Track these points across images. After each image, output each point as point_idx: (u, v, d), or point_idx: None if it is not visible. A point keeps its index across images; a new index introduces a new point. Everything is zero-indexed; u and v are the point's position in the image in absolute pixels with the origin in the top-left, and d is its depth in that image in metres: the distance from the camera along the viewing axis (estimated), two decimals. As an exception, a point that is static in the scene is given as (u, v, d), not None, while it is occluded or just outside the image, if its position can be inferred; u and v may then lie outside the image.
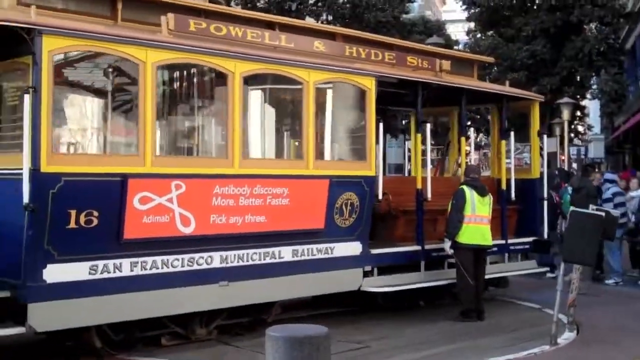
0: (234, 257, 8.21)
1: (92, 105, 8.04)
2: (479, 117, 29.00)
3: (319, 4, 25.68)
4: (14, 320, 6.81)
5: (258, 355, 7.51)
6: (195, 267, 7.89)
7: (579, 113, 35.96)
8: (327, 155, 9.73)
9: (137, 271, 7.43)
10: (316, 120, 9.02)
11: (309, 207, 8.84)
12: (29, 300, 6.74)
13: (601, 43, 26.37)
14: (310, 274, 8.91)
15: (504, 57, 26.61)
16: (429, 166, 10.53)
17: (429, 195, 10.15)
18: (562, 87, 26.68)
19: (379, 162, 9.73)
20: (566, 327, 9.12)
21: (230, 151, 8.13)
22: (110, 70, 7.87)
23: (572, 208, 8.85)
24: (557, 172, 17.22)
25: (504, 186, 11.44)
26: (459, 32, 46.05)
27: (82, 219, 6.96)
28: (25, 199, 6.60)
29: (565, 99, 24.78)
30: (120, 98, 8.16)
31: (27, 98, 6.62)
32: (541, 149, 11.89)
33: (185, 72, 8.43)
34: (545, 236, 11.85)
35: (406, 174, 14.02)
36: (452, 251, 10.00)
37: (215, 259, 8.05)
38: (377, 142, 9.62)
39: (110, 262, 7.25)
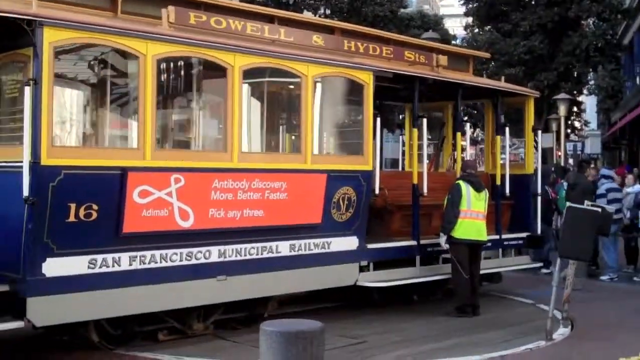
0: (232, 252, 8.19)
1: (92, 98, 7.99)
2: (475, 112, 29.03)
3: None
4: (12, 314, 6.76)
5: (255, 349, 7.40)
6: (194, 261, 7.87)
7: (575, 109, 36.14)
8: (325, 149, 9.72)
9: (136, 265, 7.40)
10: (314, 114, 9.00)
11: (306, 201, 8.83)
12: (28, 294, 6.70)
13: (599, 39, 26.41)
14: (307, 269, 8.90)
15: (502, 53, 26.62)
16: (425, 161, 10.53)
17: (425, 190, 10.17)
18: (559, 83, 26.72)
19: (375, 157, 9.72)
20: (560, 322, 9.17)
21: (229, 145, 8.10)
22: (110, 62, 7.81)
23: (568, 204, 8.87)
24: (553, 168, 17.27)
25: (498, 182, 11.47)
26: (456, 26, 46.07)
27: (82, 212, 6.93)
28: (25, 192, 6.55)
29: (562, 95, 24.83)
30: (120, 91, 8.11)
31: (27, 90, 6.57)
32: (536, 143, 11.92)
33: (185, 66, 8.39)
34: (539, 232, 11.90)
35: (400, 169, 14.01)
36: (447, 246, 10.03)
37: (214, 253, 8.03)
38: (374, 136, 9.62)
39: (109, 256, 7.21)
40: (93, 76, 8.00)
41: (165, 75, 8.19)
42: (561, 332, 8.95)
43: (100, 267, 7.15)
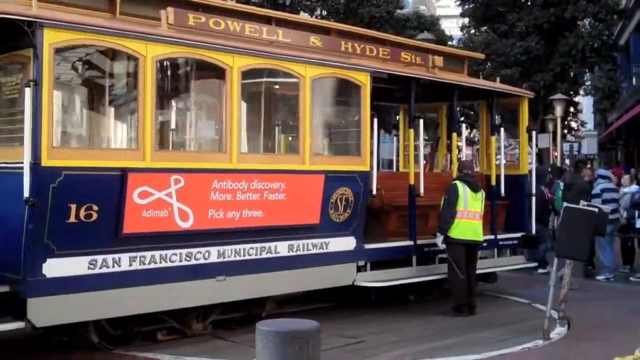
0: (231, 252, 8.21)
1: (92, 99, 7.99)
2: (472, 112, 29.05)
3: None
4: (13, 315, 6.77)
5: (253, 349, 7.44)
6: (193, 261, 7.88)
7: (572, 109, 36.14)
8: (323, 150, 9.75)
9: (136, 266, 7.41)
10: (312, 115, 9.04)
11: (304, 202, 8.86)
12: (29, 295, 6.70)
13: (595, 39, 26.42)
14: (306, 269, 8.94)
15: (498, 53, 26.63)
16: (422, 162, 10.57)
17: (422, 190, 10.21)
18: (556, 84, 26.70)
19: (373, 158, 9.76)
20: (557, 322, 9.23)
21: (228, 146, 8.12)
22: (110, 64, 7.82)
23: (565, 204, 8.93)
24: (549, 169, 17.34)
25: (493, 182, 11.53)
26: (453, 27, 46.02)
27: (82, 213, 6.94)
28: (26, 193, 6.55)
29: (559, 95, 24.84)
30: (120, 92, 8.12)
31: (27, 91, 6.57)
32: (532, 143, 12.00)
33: (184, 67, 8.41)
34: (534, 232, 11.96)
35: (394, 170, 14.07)
36: (444, 246, 10.08)
37: (213, 254, 8.05)
38: (371, 137, 9.66)
39: (109, 257, 7.22)
40: (93, 77, 8.00)
41: (165, 76, 8.19)
42: (558, 332, 9.01)
43: (100, 267, 7.16)
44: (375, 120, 9.68)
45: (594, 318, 9.94)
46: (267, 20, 9.11)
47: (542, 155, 26.14)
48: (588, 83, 34.29)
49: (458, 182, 10.09)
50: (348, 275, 9.46)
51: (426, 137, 11.39)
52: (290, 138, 9.47)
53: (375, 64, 9.84)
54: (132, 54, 7.37)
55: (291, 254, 8.79)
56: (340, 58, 9.43)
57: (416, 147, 10.49)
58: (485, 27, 29.20)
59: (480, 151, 12.78)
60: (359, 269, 9.60)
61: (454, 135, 11.24)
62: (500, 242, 11.63)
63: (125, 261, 7.33)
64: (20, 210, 6.67)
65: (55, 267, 6.84)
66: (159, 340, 8.20)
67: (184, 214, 7.69)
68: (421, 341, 8.65)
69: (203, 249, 7.95)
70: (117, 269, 7.27)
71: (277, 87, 9.74)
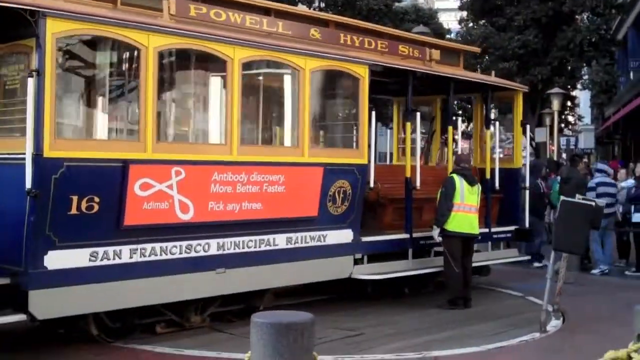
0: (230, 244, 8.20)
1: (94, 90, 7.92)
2: (469, 106, 29.06)
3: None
4: (13, 307, 6.71)
5: (251, 342, 7.51)
6: (193, 254, 7.86)
7: (569, 103, 36.22)
8: (322, 142, 9.74)
9: (137, 258, 7.37)
10: (312, 107, 9.02)
11: (303, 194, 8.86)
12: (30, 287, 6.64)
13: (593, 34, 26.43)
14: (304, 262, 8.94)
15: (496, 47, 26.61)
16: (419, 154, 10.59)
17: (418, 183, 10.23)
18: (553, 77, 26.68)
19: (370, 150, 9.76)
20: (552, 315, 9.28)
21: (228, 138, 8.09)
22: (112, 54, 7.76)
23: (562, 198, 8.98)
24: (546, 163, 17.40)
25: (488, 175, 11.57)
26: (451, 20, 45.98)
27: (84, 204, 6.89)
28: (28, 184, 6.50)
29: (556, 89, 24.86)
30: (121, 83, 8.06)
31: (30, 82, 6.50)
32: (532, 139, 12.07)
33: (185, 58, 8.35)
34: (527, 225, 12.03)
35: (387, 162, 14.07)
36: (440, 239, 10.11)
37: (213, 246, 8.03)
38: (369, 130, 9.65)
39: (110, 249, 7.18)
40: (95, 68, 7.92)
41: (166, 67, 8.13)
42: (553, 325, 9.07)
43: (101, 259, 7.12)
44: (373, 113, 9.68)
45: (589, 312, 10.02)
46: (266, 11, 9.07)
47: (539, 149, 26.18)
48: (585, 77, 34.32)
49: (455, 176, 10.12)
50: (345, 267, 9.48)
51: (423, 131, 11.40)
52: (289, 130, 9.43)
53: (374, 57, 9.83)
54: (134, 45, 7.31)
55: (290, 246, 8.79)
56: (339, 50, 9.42)
57: (413, 140, 10.50)
58: (483, 21, 29.19)
59: (474, 145, 12.81)
60: (356, 262, 9.61)
61: (450, 128, 11.26)
62: (494, 236, 11.69)
63: (126, 253, 7.29)
64: (22, 202, 6.62)
65: (56, 259, 6.78)
66: (158, 332, 8.17)
67: (185, 206, 7.66)
68: (418, 334, 8.67)
69: (203, 241, 7.93)
70: (117, 261, 7.23)
71: (276, 78, 9.69)
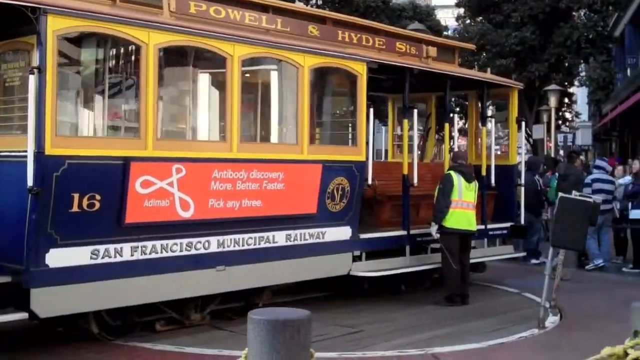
0: (230, 242, 8.19)
1: (95, 88, 7.88)
2: (467, 103, 29.10)
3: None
4: (15, 305, 6.69)
5: (250, 339, 7.51)
6: (194, 251, 7.85)
7: (566, 100, 36.25)
8: (320, 140, 9.74)
9: (138, 256, 7.35)
10: (311, 104, 9.01)
11: (302, 191, 8.85)
12: (32, 285, 6.61)
13: (590, 30, 26.51)
14: (303, 259, 8.94)
15: (493, 44, 26.66)
16: (416, 151, 10.60)
17: (415, 180, 10.25)
18: (550, 74, 26.75)
19: (368, 148, 9.77)
20: (549, 311, 9.32)
21: (228, 135, 8.08)
22: (112, 51, 7.72)
23: (560, 194, 9.01)
24: (544, 159, 17.43)
25: (483, 172, 11.59)
26: (448, 17, 45.99)
27: (85, 202, 6.86)
28: (30, 182, 6.47)
29: (553, 86, 24.80)
30: (122, 80, 8.02)
31: (31, 79, 6.47)
32: (528, 135, 12.11)
33: (185, 55, 8.32)
34: (522, 222, 12.07)
35: (382, 159, 14.11)
36: (438, 235, 10.13)
37: (213, 244, 8.02)
38: (367, 127, 9.66)
39: (112, 247, 7.16)
40: (95, 65, 7.88)
41: (166, 64, 8.11)
42: (551, 321, 9.09)
43: (102, 257, 7.09)
44: (371, 110, 9.69)
45: (586, 308, 10.06)
46: (264, 8, 9.04)
47: (536, 146, 26.27)
48: (583, 74, 34.40)
49: (452, 172, 10.14)
50: (344, 265, 9.48)
51: (420, 128, 11.41)
52: (288, 127, 9.42)
53: (371, 54, 9.83)
54: (134, 42, 7.28)
55: (289, 243, 8.78)
56: (337, 47, 9.42)
57: (410, 137, 10.50)
58: (480, 18, 29.26)
59: (470, 141, 12.83)
60: (354, 259, 9.62)
61: (446, 125, 11.27)
62: (490, 232, 11.71)
63: (127, 251, 7.27)
64: (23, 200, 6.59)
65: (58, 257, 6.76)
66: (158, 330, 8.15)
67: (185, 204, 7.65)
68: (416, 330, 8.68)
69: (203, 239, 7.92)
70: (119, 259, 7.21)
71: (275, 75, 9.68)
